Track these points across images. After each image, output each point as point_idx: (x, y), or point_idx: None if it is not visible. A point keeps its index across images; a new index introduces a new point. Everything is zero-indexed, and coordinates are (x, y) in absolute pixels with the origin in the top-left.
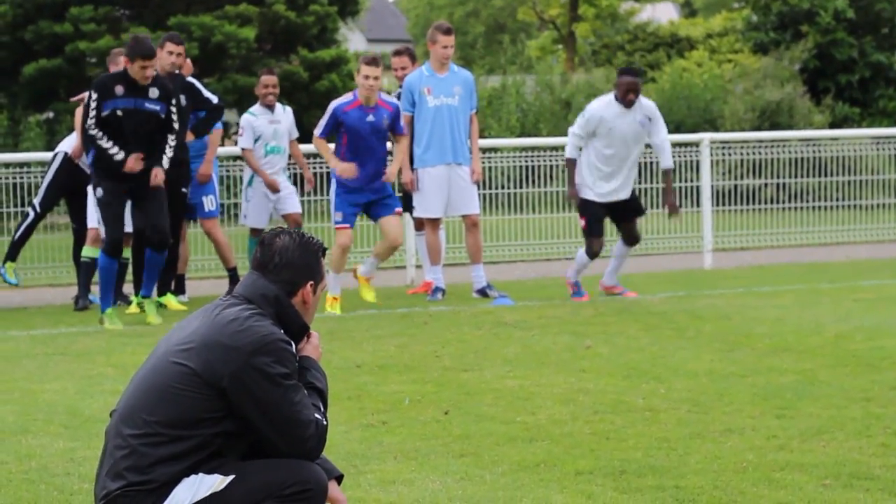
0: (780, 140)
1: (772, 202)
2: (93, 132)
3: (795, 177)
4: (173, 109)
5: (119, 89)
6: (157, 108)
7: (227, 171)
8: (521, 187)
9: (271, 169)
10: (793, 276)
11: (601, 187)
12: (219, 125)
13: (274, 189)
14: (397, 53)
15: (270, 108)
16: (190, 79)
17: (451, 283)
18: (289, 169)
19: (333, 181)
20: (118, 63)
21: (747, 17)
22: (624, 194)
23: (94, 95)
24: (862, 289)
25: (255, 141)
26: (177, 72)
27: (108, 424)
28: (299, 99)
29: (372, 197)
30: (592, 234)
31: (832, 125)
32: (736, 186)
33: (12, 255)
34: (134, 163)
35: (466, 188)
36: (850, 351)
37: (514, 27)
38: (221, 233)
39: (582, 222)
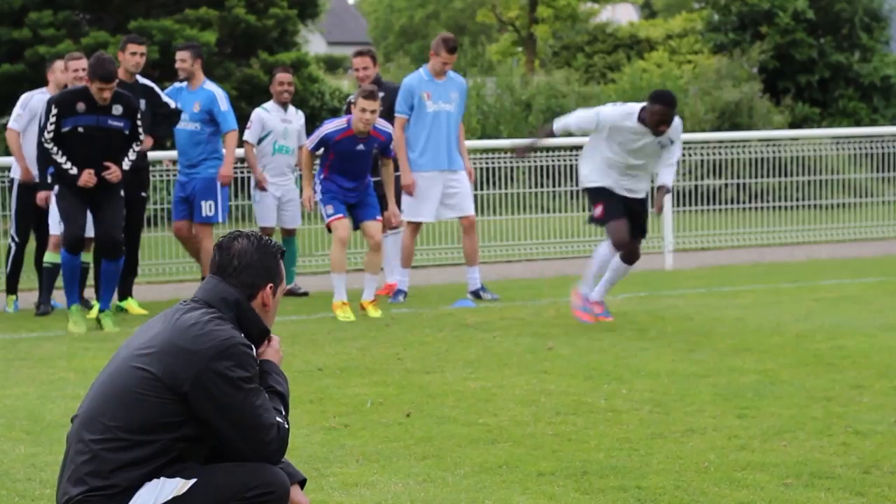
0: (740, 140)
1: (732, 202)
2: (48, 146)
3: (756, 177)
4: (139, 123)
5: (80, 106)
6: (121, 124)
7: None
8: (481, 189)
9: (276, 168)
10: (753, 276)
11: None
12: (234, 126)
13: (261, 186)
14: (359, 54)
15: (284, 106)
16: (148, 82)
17: (413, 285)
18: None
19: (318, 186)
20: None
21: (707, 17)
22: (640, 194)
23: (54, 111)
24: (822, 288)
25: (264, 138)
26: (137, 77)
27: (69, 430)
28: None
29: (354, 200)
30: (612, 217)
31: (792, 125)
32: (696, 187)
33: (12, 288)
34: (87, 178)
35: (462, 191)
36: (810, 350)
37: (473, 29)
38: (210, 242)
39: (597, 210)
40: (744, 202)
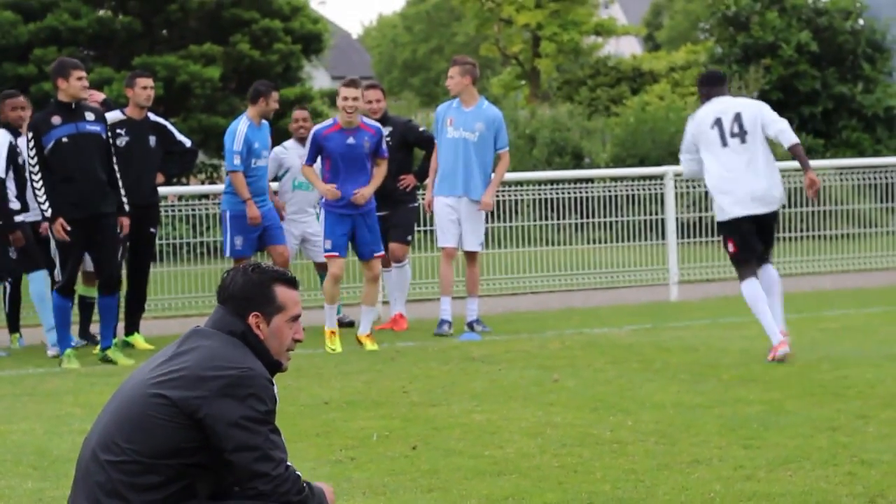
0: None
1: None
2: (34, 175)
3: None
4: (109, 133)
5: (56, 119)
6: (98, 128)
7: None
8: (487, 222)
9: (296, 205)
10: None
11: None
12: (229, 166)
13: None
14: (372, 87)
15: (302, 142)
16: (161, 120)
17: (417, 317)
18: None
19: (322, 209)
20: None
21: (710, 49)
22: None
23: (30, 135)
24: (827, 319)
25: (283, 175)
26: (147, 113)
27: (79, 453)
28: None
29: (358, 221)
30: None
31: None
32: (700, 218)
33: (14, 326)
34: (58, 227)
35: (472, 224)
36: (815, 381)
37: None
38: None
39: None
40: None
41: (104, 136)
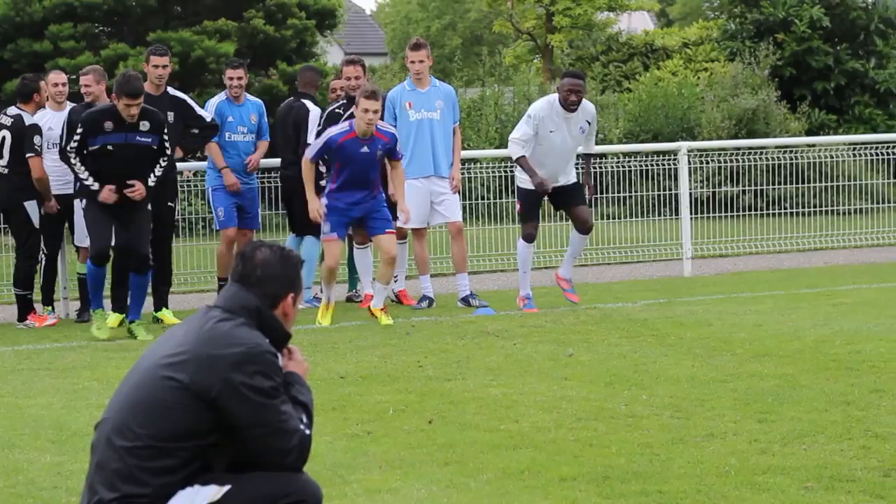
0: (757, 147)
1: (750, 209)
2: (70, 155)
3: (773, 184)
4: (166, 138)
5: (108, 125)
6: (149, 140)
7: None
8: (501, 197)
9: None
10: (772, 282)
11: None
12: (266, 138)
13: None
14: (350, 63)
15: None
16: (181, 95)
17: (435, 293)
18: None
19: (323, 199)
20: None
21: (723, 25)
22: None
23: (79, 129)
24: (840, 294)
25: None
26: (167, 88)
27: (94, 437)
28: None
29: (364, 213)
30: None
31: (809, 132)
32: (714, 194)
33: (48, 299)
34: (107, 194)
35: (448, 197)
36: (829, 355)
37: (490, 39)
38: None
39: None
40: (761, 209)
41: (155, 146)
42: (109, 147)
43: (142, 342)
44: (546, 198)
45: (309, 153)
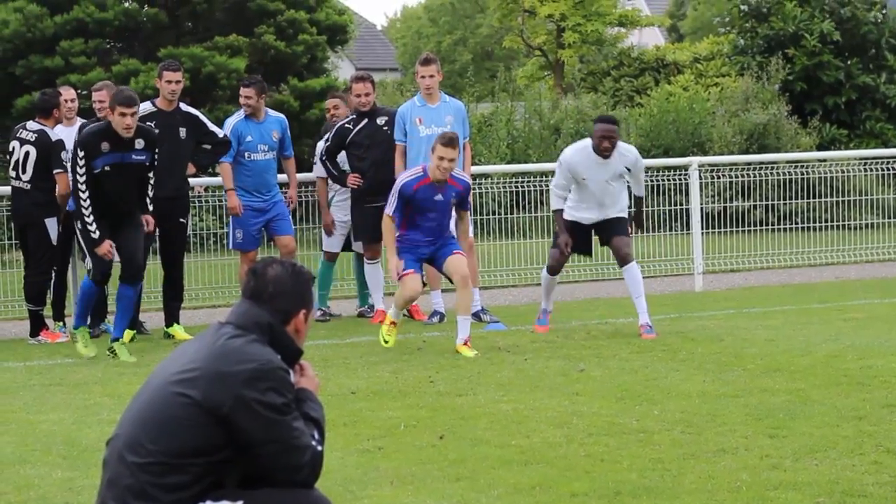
0: (768, 162)
1: (761, 224)
2: (82, 193)
3: (784, 199)
4: (156, 154)
5: (105, 146)
6: (143, 157)
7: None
8: (511, 213)
9: (345, 193)
10: (783, 297)
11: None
12: (289, 153)
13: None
14: (360, 80)
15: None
16: (194, 111)
17: (446, 308)
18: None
19: (398, 243)
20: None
21: (733, 40)
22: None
23: (81, 153)
24: (852, 308)
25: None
26: (179, 104)
27: (105, 453)
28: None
29: (433, 251)
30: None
31: (820, 147)
32: (725, 209)
33: (59, 314)
34: (106, 249)
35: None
36: (841, 370)
37: (501, 55)
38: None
39: None
40: (772, 224)
41: (147, 162)
42: (107, 168)
43: (135, 364)
44: (592, 230)
45: (388, 209)
